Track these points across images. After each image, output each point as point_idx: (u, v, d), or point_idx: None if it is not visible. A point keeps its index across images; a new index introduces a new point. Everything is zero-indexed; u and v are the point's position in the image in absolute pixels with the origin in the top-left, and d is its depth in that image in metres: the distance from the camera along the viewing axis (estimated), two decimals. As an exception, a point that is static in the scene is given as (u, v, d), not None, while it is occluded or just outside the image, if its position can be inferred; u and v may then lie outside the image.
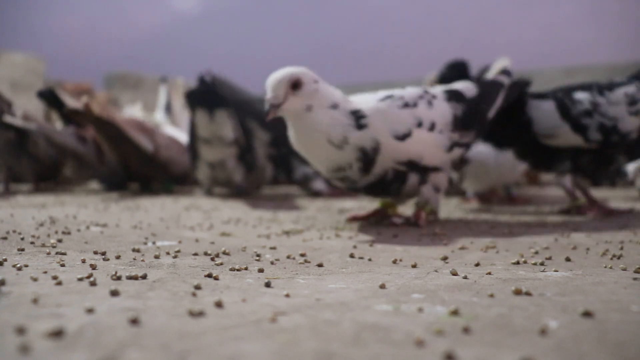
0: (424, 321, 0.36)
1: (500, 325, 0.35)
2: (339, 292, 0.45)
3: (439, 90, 1.00)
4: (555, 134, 1.12)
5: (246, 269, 0.54)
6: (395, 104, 0.93)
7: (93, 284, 0.45)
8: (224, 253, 0.63)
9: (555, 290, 0.45)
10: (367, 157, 0.89)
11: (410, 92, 0.96)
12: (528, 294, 0.44)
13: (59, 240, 0.70)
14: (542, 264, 0.58)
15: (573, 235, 0.82)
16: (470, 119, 1.00)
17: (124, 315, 0.36)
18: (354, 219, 1.00)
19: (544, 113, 1.13)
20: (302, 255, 0.63)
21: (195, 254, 0.62)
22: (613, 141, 1.11)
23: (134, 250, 0.64)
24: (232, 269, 0.53)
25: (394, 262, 0.59)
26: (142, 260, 0.58)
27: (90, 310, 0.36)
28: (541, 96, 1.16)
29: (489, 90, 1.07)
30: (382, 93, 0.96)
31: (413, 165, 0.92)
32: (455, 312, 0.37)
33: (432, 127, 0.93)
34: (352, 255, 0.63)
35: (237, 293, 0.44)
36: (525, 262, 0.59)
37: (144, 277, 0.49)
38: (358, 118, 0.89)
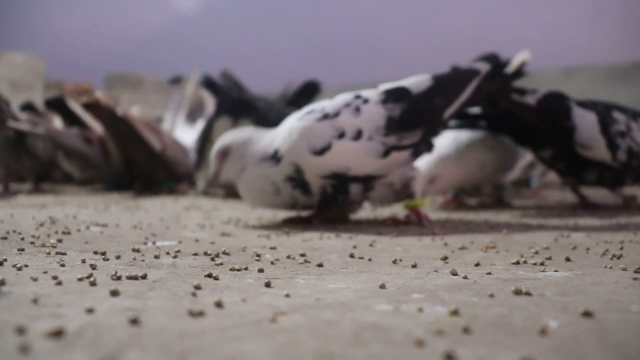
0: (424, 321, 0.36)
1: (500, 325, 0.35)
2: (339, 292, 0.45)
3: (377, 91, 0.97)
4: (592, 146, 1.14)
5: (246, 269, 0.54)
6: (313, 117, 0.92)
7: (93, 284, 0.45)
8: (224, 253, 0.63)
9: (555, 290, 0.45)
10: (299, 182, 0.91)
11: (336, 101, 0.95)
12: (528, 294, 0.44)
13: (59, 240, 0.70)
14: (542, 264, 0.58)
15: (573, 235, 0.82)
16: (414, 118, 0.94)
17: (124, 315, 0.36)
18: (290, 220, 1.00)
19: (587, 124, 1.14)
20: (302, 255, 0.63)
21: (195, 254, 0.62)
22: (633, 165, 1.16)
23: (134, 250, 0.64)
24: (232, 269, 0.53)
25: (394, 262, 0.59)
26: (142, 260, 0.58)
27: (90, 310, 0.36)
28: (582, 104, 1.18)
29: (451, 81, 1.00)
30: (308, 107, 0.96)
31: (340, 177, 0.91)
32: (455, 312, 0.37)
33: (357, 136, 0.90)
34: (352, 255, 0.63)
35: (237, 293, 0.44)
36: (525, 262, 0.59)
37: (144, 277, 0.49)
38: (276, 154, 0.92)
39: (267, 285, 0.46)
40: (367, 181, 0.93)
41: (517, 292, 0.44)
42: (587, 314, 0.37)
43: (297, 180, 0.91)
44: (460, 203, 1.42)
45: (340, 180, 0.91)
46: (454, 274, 0.52)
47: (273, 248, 0.68)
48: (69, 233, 0.78)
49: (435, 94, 0.97)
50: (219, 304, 0.39)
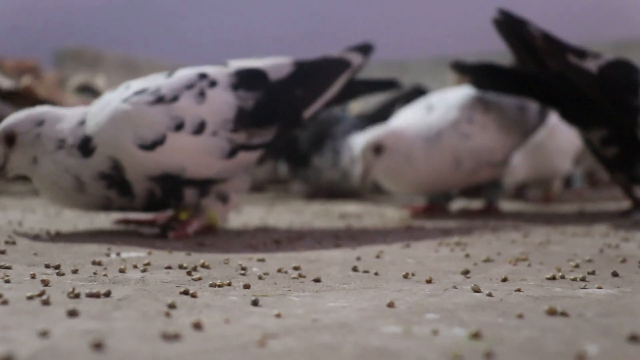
0: (439, 345, 0.37)
1: (530, 350, 0.36)
2: (340, 311, 0.46)
3: (227, 70, 0.93)
4: None
5: (229, 284, 0.55)
6: (144, 100, 0.86)
7: (46, 302, 0.46)
8: (203, 266, 0.64)
9: (597, 311, 0.46)
10: (116, 181, 0.86)
11: (175, 79, 0.90)
12: (564, 314, 0.45)
13: (2, 252, 0.71)
14: (582, 279, 0.59)
15: (622, 246, 0.83)
16: (269, 111, 0.92)
17: (85, 339, 0.37)
18: (124, 221, 0.99)
19: None
20: (296, 268, 0.64)
21: (168, 267, 0.64)
22: None
23: (94, 262, 0.65)
24: (212, 285, 0.55)
25: (405, 276, 0.60)
26: (105, 275, 0.59)
27: (44, 334, 0.38)
28: None
29: (317, 71, 0.99)
30: (138, 84, 0.90)
31: (174, 180, 0.87)
32: (476, 335, 0.39)
33: (199, 129, 0.87)
34: (355, 269, 0.64)
35: (218, 313, 0.45)
36: (562, 277, 0.60)
37: (108, 294, 0.50)
38: (86, 143, 0.86)
39: (255, 303, 0.47)
40: (205, 186, 0.90)
41: (551, 312, 0.45)
42: (634, 338, 0.38)
43: (115, 178, 0.86)
44: (442, 210, 1.34)
45: (172, 183, 0.88)
46: (477, 290, 0.53)
47: (261, 260, 0.69)
48: (13, 243, 0.78)
49: (296, 84, 0.96)
50: (197, 325, 0.40)
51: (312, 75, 0.99)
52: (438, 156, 1.20)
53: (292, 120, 0.97)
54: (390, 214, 1.29)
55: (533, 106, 1.31)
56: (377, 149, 1.18)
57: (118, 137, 0.84)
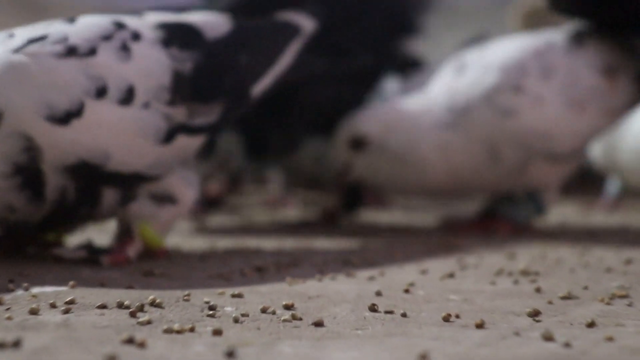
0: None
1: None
2: (351, 367, 0.48)
3: (148, 22, 0.93)
4: None
5: (192, 330, 0.57)
6: (50, 50, 0.84)
7: None
8: (153, 304, 0.66)
9: None
10: (31, 174, 0.83)
11: (83, 25, 0.88)
12: (674, 372, 0.47)
13: None
14: None
15: None
16: (213, 79, 0.95)
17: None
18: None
19: None
20: (288, 307, 0.65)
21: (103, 307, 0.65)
22: None
23: (-8, 301, 0.66)
24: (167, 331, 0.56)
25: (446, 318, 0.62)
26: (9, 318, 0.59)
27: None
28: None
29: (261, 33, 1.04)
30: (28, 31, 0.86)
31: (92, 172, 0.86)
32: (544, 401, 0.41)
33: (127, 97, 0.86)
34: (373, 308, 0.65)
35: (178, 369, 0.47)
36: (676, 320, 0.62)
37: (17, 344, 0.50)
38: None
39: (230, 355, 0.49)
40: (131, 184, 0.90)
41: (654, 369, 0.47)
42: None
43: (30, 171, 0.83)
44: (508, 225, 1.25)
45: (90, 178, 0.87)
46: (549, 338, 0.54)
47: (237, 296, 0.70)
48: None
49: (239, 47, 0.99)
50: (149, 388, 0.42)
51: (257, 38, 1.03)
52: (463, 144, 1.18)
53: (238, 96, 0.99)
54: (425, 228, 1.29)
55: (627, 70, 1.24)
56: (356, 143, 1.20)
57: (21, 106, 0.81)
